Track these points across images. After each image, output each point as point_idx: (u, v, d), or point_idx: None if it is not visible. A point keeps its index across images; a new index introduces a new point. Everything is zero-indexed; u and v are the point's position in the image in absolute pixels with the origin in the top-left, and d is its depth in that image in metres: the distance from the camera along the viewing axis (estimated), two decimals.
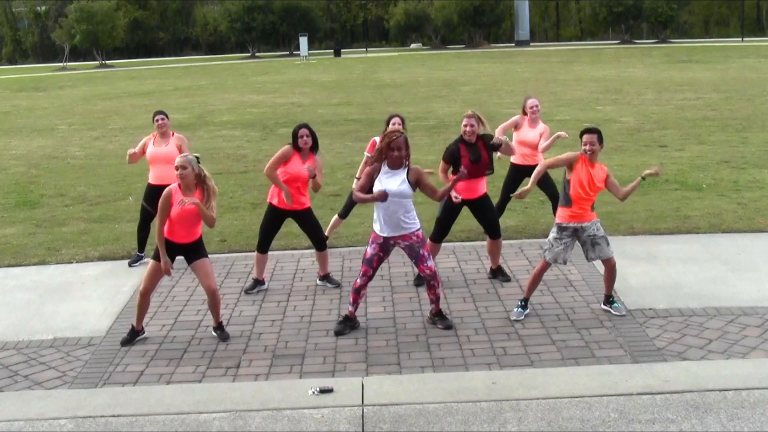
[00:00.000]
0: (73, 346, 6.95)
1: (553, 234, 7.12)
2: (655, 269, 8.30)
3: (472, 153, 7.81)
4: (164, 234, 6.78)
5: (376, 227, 6.88)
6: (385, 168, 6.78)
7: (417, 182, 6.80)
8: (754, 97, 23.84)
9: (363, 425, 5.38)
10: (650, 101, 24.18)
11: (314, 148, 7.90)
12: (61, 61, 74.21)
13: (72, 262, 9.47)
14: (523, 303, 7.25)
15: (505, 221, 10.29)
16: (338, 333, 6.97)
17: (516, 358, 6.36)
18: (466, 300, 7.70)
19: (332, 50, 75.57)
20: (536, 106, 9.32)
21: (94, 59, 75.56)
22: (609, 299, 7.25)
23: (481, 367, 6.23)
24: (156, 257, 6.83)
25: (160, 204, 6.75)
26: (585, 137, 7.02)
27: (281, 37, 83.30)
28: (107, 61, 73.85)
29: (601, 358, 6.29)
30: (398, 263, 8.78)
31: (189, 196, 6.70)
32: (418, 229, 6.89)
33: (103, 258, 9.57)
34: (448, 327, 7.00)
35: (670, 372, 5.96)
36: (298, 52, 70.53)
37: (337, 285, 8.18)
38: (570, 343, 6.60)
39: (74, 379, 6.30)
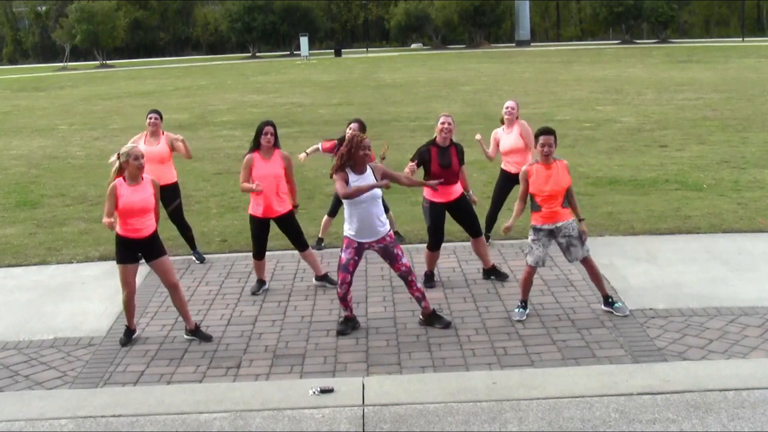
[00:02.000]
0: (74, 346, 6.95)
1: (530, 237, 7.14)
2: (655, 269, 8.29)
3: (442, 158, 7.74)
4: (120, 230, 6.77)
5: (351, 233, 6.83)
6: (351, 174, 6.74)
7: (384, 177, 6.82)
8: (754, 97, 23.84)
9: (363, 425, 5.38)
10: (650, 101, 24.18)
11: (276, 144, 7.99)
12: (62, 61, 74.27)
13: (72, 262, 9.47)
14: (522, 304, 7.25)
15: (505, 221, 10.29)
16: (340, 333, 6.96)
17: (516, 358, 6.35)
18: (466, 300, 7.70)
19: (333, 50, 75.62)
20: (511, 107, 9.05)
21: (94, 59, 75.61)
22: (608, 300, 7.23)
23: (481, 367, 6.22)
24: (120, 260, 6.80)
25: (107, 198, 6.67)
26: (543, 138, 6.97)
27: (282, 37, 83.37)
28: (107, 61, 73.91)
29: (601, 358, 6.29)
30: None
31: (134, 184, 6.70)
32: (389, 230, 6.94)
33: (103, 258, 9.56)
34: (447, 325, 6.99)
35: (671, 372, 5.96)
36: (298, 52, 70.59)
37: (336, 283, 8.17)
38: (570, 343, 6.60)
39: (75, 379, 6.30)
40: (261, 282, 8.19)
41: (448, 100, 26.78)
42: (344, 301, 6.97)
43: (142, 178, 6.74)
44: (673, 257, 8.64)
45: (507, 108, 9.08)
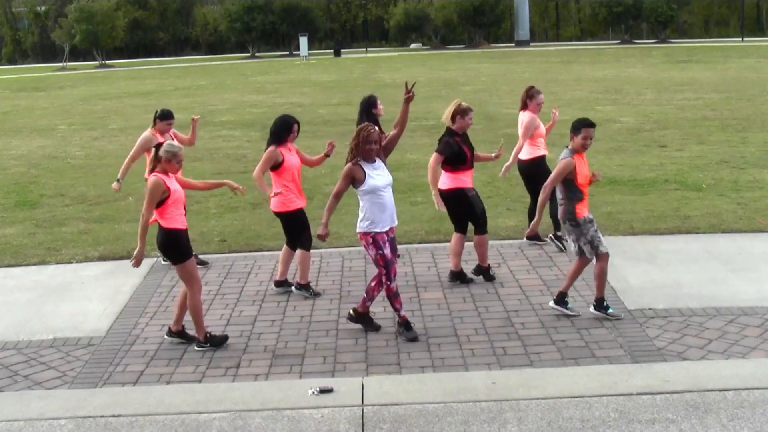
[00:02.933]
0: (73, 346, 6.94)
1: (591, 230, 6.90)
2: (655, 269, 8.29)
3: (468, 143, 7.96)
4: (169, 226, 6.61)
5: (377, 228, 6.70)
6: (365, 164, 6.71)
7: (386, 150, 7.00)
8: (754, 97, 23.84)
9: (363, 425, 5.38)
10: (650, 101, 24.17)
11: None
12: (61, 61, 74.18)
13: (72, 262, 9.47)
14: (600, 301, 7.06)
15: (505, 221, 10.29)
16: (414, 339, 6.78)
17: (516, 358, 6.35)
18: (466, 300, 7.69)
19: (332, 50, 75.53)
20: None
21: (94, 59, 75.54)
22: (563, 298, 7.20)
23: (481, 367, 6.22)
24: (187, 255, 6.64)
25: (152, 195, 6.44)
26: (586, 131, 6.85)
27: (281, 37, 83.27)
28: (107, 61, 73.83)
29: (601, 358, 6.29)
30: (398, 263, 8.75)
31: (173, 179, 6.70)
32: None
33: (103, 258, 9.56)
34: (377, 329, 6.95)
35: (670, 372, 5.96)
36: (298, 52, 70.52)
37: (318, 294, 8.01)
38: (570, 343, 6.60)
39: (74, 379, 6.30)
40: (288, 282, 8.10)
41: (448, 100, 26.58)
42: (397, 296, 6.84)
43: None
44: (672, 257, 8.64)
45: (540, 104, 9.37)
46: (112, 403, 5.81)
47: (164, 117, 9.15)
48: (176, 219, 6.61)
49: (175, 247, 6.61)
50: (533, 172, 9.12)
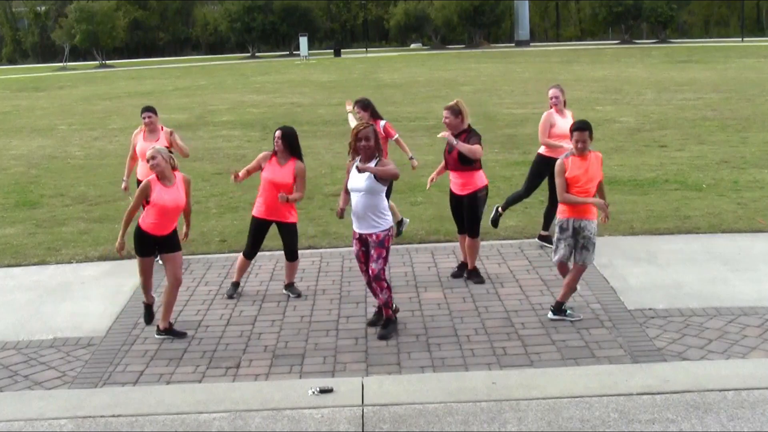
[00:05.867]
0: (73, 346, 6.95)
1: (556, 235, 7.03)
2: (655, 269, 8.30)
3: (449, 146, 8.12)
4: (140, 223, 6.95)
5: (353, 224, 6.86)
6: (358, 162, 6.78)
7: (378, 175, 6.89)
8: (754, 97, 23.84)
9: (363, 425, 5.38)
10: (650, 101, 24.18)
11: (295, 154, 7.78)
12: (61, 61, 74.23)
13: (72, 262, 9.47)
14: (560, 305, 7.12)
15: (505, 221, 10.28)
16: (383, 337, 6.79)
17: (516, 358, 6.36)
18: (466, 300, 7.69)
19: (332, 50, 75.59)
20: (555, 97, 9.07)
21: (94, 59, 75.61)
22: (561, 307, 7.10)
23: (481, 367, 6.23)
24: (139, 253, 6.98)
25: (137, 193, 6.95)
26: (577, 134, 6.89)
27: (281, 37, 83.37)
28: (107, 61, 73.90)
29: (601, 358, 6.29)
30: (398, 263, 8.77)
31: (169, 185, 6.88)
32: (383, 230, 6.78)
33: (103, 258, 9.56)
34: (383, 338, 6.85)
35: (670, 372, 5.96)
36: (298, 52, 70.58)
37: (298, 295, 7.96)
38: (570, 343, 6.60)
39: (74, 379, 6.31)
40: (236, 284, 8.11)
41: (448, 100, 26.63)
42: (370, 287, 6.98)
43: (174, 176, 6.93)
44: (672, 257, 8.64)
45: (551, 99, 9.11)
46: (112, 403, 5.81)
47: (141, 111, 9.26)
48: (145, 222, 6.93)
49: (136, 242, 6.97)
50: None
